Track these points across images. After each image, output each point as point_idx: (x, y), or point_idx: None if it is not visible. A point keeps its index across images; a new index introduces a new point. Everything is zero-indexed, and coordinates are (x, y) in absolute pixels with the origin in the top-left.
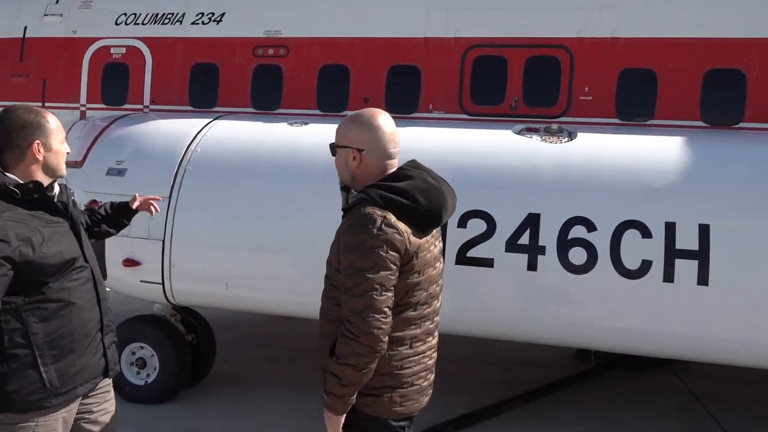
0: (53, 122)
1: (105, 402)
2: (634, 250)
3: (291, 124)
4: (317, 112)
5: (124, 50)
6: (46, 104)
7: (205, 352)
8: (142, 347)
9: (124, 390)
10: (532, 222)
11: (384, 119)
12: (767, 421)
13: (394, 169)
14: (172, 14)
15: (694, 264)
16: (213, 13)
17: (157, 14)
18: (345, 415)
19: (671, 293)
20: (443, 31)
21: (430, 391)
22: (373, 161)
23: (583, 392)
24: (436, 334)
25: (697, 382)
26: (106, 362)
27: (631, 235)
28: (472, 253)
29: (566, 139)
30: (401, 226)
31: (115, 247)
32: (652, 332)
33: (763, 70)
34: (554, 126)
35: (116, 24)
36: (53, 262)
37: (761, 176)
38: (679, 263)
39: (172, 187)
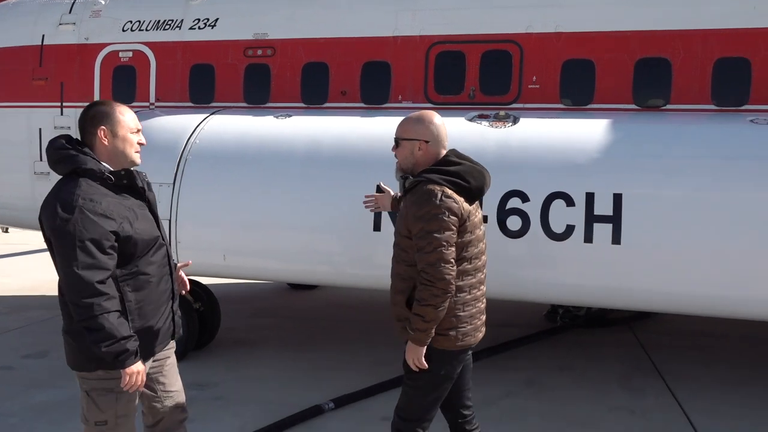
0: (122, 114)
1: (171, 358)
2: (560, 216)
3: (276, 117)
4: (301, 104)
5: (131, 54)
6: (64, 104)
7: (211, 319)
8: None
9: None
10: None
11: (440, 119)
12: (702, 364)
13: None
14: (172, 20)
15: (609, 227)
16: (208, 19)
17: (159, 21)
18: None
19: (590, 251)
20: (410, 30)
21: (484, 328)
22: (433, 150)
23: (543, 346)
24: (485, 283)
25: (649, 337)
26: (174, 326)
27: (557, 204)
28: None
29: (510, 124)
30: (456, 196)
31: None
32: (575, 284)
33: (685, 58)
34: (501, 113)
35: (123, 30)
36: (145, 237)
37: (668, 151)
38: (597, 226)
39: (176, 174)
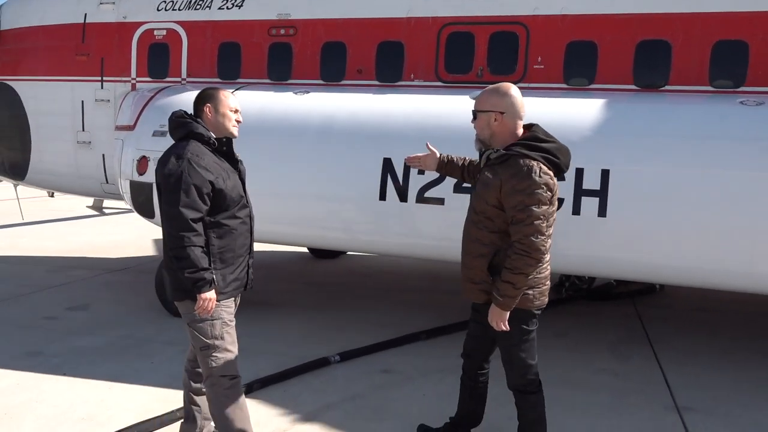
0: (223, 95)
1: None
2: None
3: (295, 93)
4: (320, 81)
5: (164, 32)
6: (105, 78)
7: None
8: None
9: (171, 307)
10: None
11: (516, 91)
12: (692, 335)
13: (520, 129)
14: (203, 1)
15: (595, 200)
16: (235, 0)
17: (191, 1)
18: None
19: (578, 223)
20: (422, 12)
21: (548, 293)
22: (509, 121)
23: (545, 315)
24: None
25: (648, 310)
26: (248, 277)
27: None
28: (428, 193)
29: None
30: (550, 172)
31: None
32: (563, 254)
33: (686, 40)
34: None
35: (158, 10)
36: (233, 194)
37: (655, 130)
38: (585, 200)
39: None
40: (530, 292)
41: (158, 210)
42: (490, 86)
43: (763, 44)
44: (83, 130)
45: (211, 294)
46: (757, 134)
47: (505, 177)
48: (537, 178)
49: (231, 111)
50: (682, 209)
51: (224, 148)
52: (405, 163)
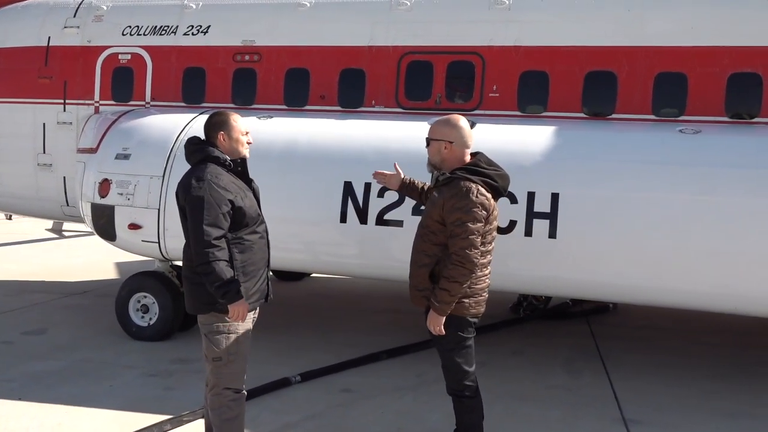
0: (234, 121)
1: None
2: (504, 213)
3: (259, 118)
4: (284, 107)
5: (129, 56)
6: (67, 101)
7: None
8: (145, 296)
9: (131, 330)
10: None
11: (464, 123)
12: (642, 351)
13: (468, 157)
14: (168, 26)
15: (546, 222)
16: (201, 26)
17: (156, 26)
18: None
19: (530, 244)
20: (383, 41)
21: (485, 304)
22: (457, 149)
23: (502, 334)
24: (490, 266)
25: (602, 328)
26: (268, 288)
27: (502, 202)
28: (387, 216)
29: None
30: (487, 193)
31: (122, 214)
32: (516, 274)
33: (630, 71)
34: None
35: (123, 35)
36: (251, 212)
37: (601, 156)
38: (536, 222)
39: (165, 167)
40: (466, 300)
41: (121, 233)
42: (443, 117)
43: (701, 77)
44: (44, 152)
45: (241, 303)
46: (693, 160)
47: (447, 196)
48: (474, 198)
49: (242, 135)
50: (626, 231)
51: (239, 168)
52: (373, 177)
